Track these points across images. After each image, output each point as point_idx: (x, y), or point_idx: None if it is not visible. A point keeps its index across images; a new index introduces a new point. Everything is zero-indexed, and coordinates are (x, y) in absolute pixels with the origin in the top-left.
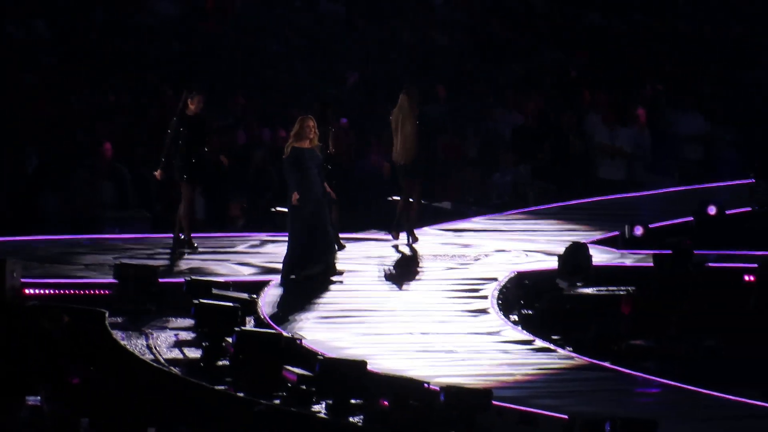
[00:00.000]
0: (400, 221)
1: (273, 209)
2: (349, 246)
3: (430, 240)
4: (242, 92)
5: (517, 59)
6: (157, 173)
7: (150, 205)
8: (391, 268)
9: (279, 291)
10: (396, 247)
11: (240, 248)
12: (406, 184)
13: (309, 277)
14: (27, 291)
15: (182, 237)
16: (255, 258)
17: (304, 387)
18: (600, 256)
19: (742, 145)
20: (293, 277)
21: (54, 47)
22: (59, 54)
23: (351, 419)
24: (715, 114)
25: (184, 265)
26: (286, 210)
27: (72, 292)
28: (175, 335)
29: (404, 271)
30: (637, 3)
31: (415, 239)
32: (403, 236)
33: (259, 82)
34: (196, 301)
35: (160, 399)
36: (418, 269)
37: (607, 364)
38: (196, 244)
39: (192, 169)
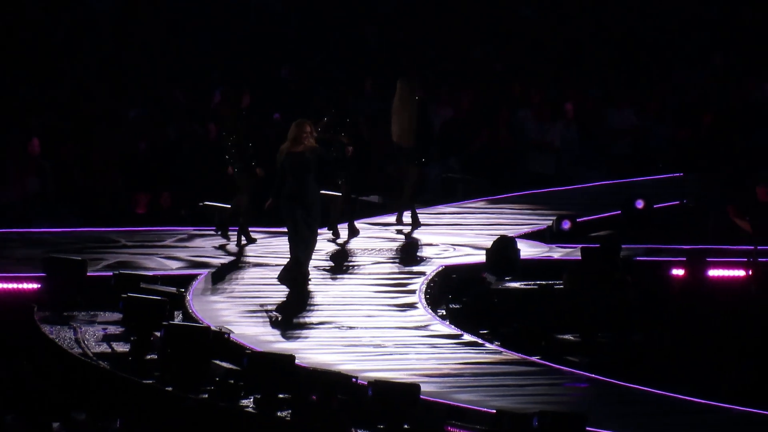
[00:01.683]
0: (413, 213)
1: (201, 204)
2: (274, 240)
3: (359, 233)
4: (177, 87)
5: (449, 54)
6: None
7: (74, 200)
8: (319, 262)
9: (207, 285)
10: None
11: (168, 242)
12: (404, 170)
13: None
14: None
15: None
16: (183, 252)
17: (231, 381)
18: (528, 250)
19: (671, 139)
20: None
21: None
22: None
23: (279, 414)
24: (645, 109)
25: (112, 258)
26: (215, 205)
27: (0, 286)
28: (104, 329)
29: (332, 265)
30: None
31: (401, 223)
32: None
33: (190, 76)
34: (124, 295)
35: (88, 393)
36: (346, 263)
37: (535, 358)
38: (253, 236)
39: (250, 162)
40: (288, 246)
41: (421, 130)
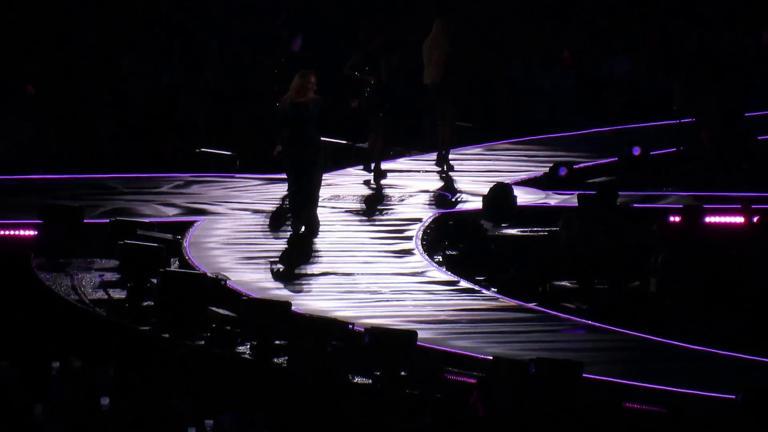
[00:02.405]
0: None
1: (198, 150)
2: (271, 187)
3: (354, 180)
4: (173, 34)
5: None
6: None
7: (72, 146)
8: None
9: (203, 232)
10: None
11: (165, 188)
12: (438, 108)
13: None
14: None
15: None
16: (179, 199)
17: (228, 328)
18: (524, 197)
19: (668, 87)
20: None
21: None
22: None
23: (275, 360)
24: (640, 56)
25: (108, 205)
26: (211, 151)
27: None
28: (100, 276)
29: (328, 211)
30: None
31: (449, 167)
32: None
33: (185, 24)
34: (120, 242)
35: (84, 340)
36: (343, 209)
37: (532, 305)
38: None
39: None
40: (289, 198)
41: (452, 69)
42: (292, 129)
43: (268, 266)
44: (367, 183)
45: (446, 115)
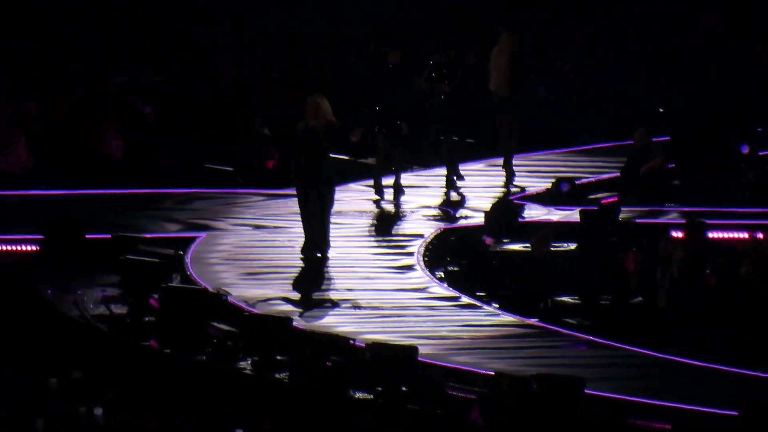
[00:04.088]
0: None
1: (201, 165)
2: (274, 202)
3: (356, 196)
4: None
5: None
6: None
7: (65, 162)
8: None
9: (205, 247)
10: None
11: (166, 204)
12: (500, 121)
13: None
14: None
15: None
16: (181, 214)
17: (229, 343)
18: (527, 212)
19: (666, 98)
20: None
21: None
22: None
23: (276, 375)
24: (639, 67)
25: (110, 220)
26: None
27: None
28: (102, 291)
29: (331, 227)
30: None
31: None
32: None
33: (186, 33)
34: (122, 257)
35: (85, 355)
36: (345, 225)
37: (533, 320)
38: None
39: (388, 119)
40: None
41: (515, 82)
42: (306, 151)
43: (270, 282)
44: (369, 199)
45: (511, 125)
